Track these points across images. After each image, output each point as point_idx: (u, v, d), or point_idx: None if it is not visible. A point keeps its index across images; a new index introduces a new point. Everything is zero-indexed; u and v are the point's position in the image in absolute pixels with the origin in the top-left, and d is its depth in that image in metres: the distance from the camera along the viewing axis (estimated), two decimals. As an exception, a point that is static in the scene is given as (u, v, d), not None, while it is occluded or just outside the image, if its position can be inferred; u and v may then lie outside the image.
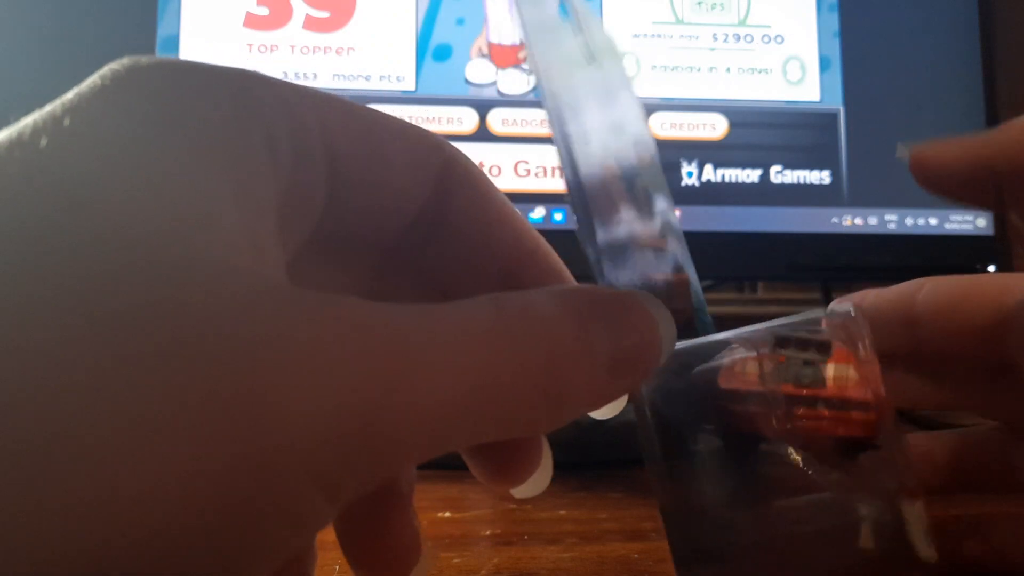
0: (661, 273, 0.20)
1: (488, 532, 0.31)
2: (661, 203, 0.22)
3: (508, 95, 0.52)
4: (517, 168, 0.52)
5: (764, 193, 0.53)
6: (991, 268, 0.53)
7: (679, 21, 0.54)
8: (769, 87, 0.54)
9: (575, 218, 0.17)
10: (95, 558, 0.10)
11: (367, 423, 0.11)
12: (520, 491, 0.19)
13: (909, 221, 0.54)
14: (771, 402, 0.19)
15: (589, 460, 0.42)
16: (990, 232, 0.54)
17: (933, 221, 0.54)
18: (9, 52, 0.48)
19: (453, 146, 0.18)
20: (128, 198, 0.11)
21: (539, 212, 0.51)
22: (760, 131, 0.54)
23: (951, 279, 0.24)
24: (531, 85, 0.52)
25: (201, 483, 0.10)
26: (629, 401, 0.19)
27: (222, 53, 0.50)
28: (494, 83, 0.52)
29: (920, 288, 0.24)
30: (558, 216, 0.52)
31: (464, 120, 0.51)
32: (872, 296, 0.25)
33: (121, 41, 0.50)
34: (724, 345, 0.19)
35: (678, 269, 0.21)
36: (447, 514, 0.34)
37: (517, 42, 0.52)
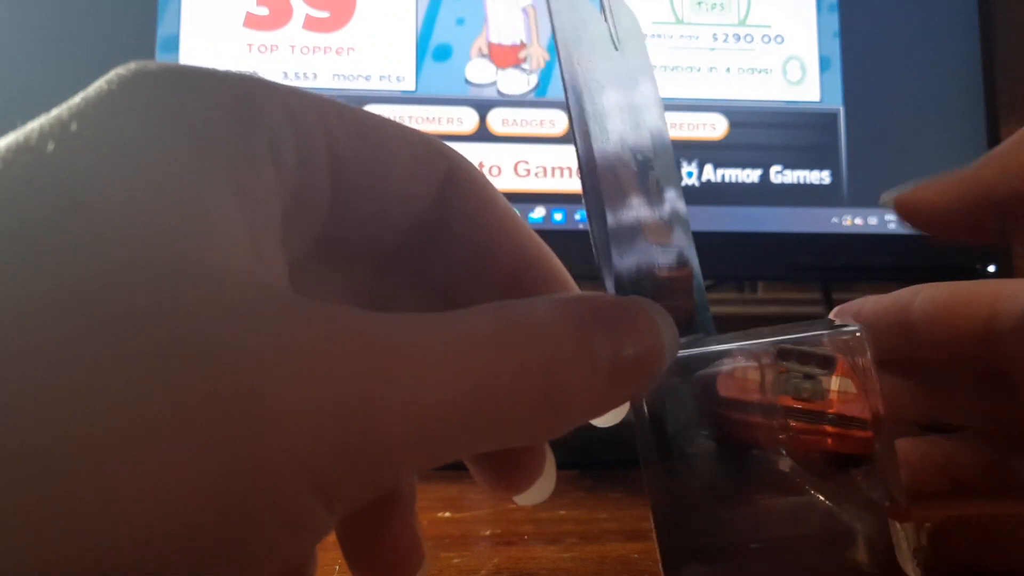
0: (665, 265, 0.20)
1: (488, 532, 0.31)
2: (671, 191, 0.22)
3: (508, 95, 0.52)
4: (517, 168, 0.52)
5: (764, 193, 0.53)
6: (991, 268, 0.53)
7: (679, 21, 0.54)
8: (769, 87, 0.54)
9: (585, 201, 0.17)
10: (95, 558, 0.10)
11: (364, 426, 0.11)
12: (523, 499, 0.19)
13: (909, 221, 0.54)
14: (769, 412, 0.19)
15: (589, 460, 0.42)
16: (990, 232, 0.54)
17: (933, 221, 0.54)
18: (9, 52, 0.48)
19: (456, 152, 0.18)
20: (129, 199, 0.11)
21: (539, 212, 0.51)
22: (760, 131, 0.54)
23: (947, 285, 0.24)
24: (531, 85, 0.52)
25: (200, 483, 0.10)
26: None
27: (222, 53, 0.50)
28: (494, 83, 0.52)
29: (917, 294, 0.24)
30: (558, 216, 0.52)
31: (464, 120, 0.51)
32: (871, 303, 0.25)
33: (121, 41, 0.50)
34: (726, 354, 0.19)
35: (682, 263, 0.21)
36: (447, 514, 0.34)
37: (517, 42, 0.52)
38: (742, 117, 0.53)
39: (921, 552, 0.19)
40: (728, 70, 0.54)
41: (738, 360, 0.19)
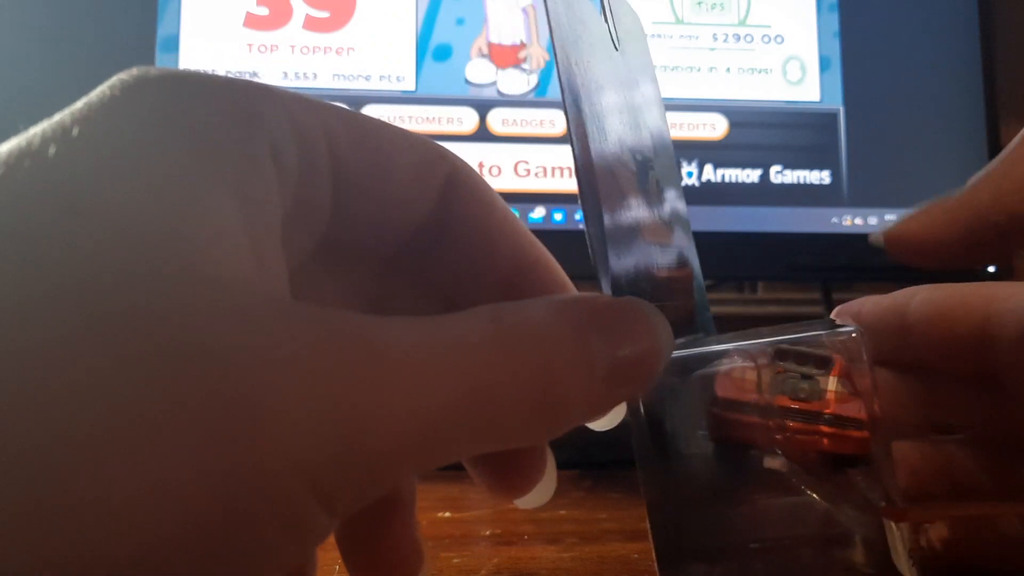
0: (665, 266, 0.20)
1: (488, 532, 0.31)
2: (671, 192, 0.22)
3: (508, 95, 0.52)
4: (517, 168, 0.52)
5: (764, 193, 0.53)
6: (991, 268, 0.53)
7: (679, 21, 0.54)
8: (769, 87, 0.54)
9: (581, 202, 0.16)
10: (94, 558, 0.10)
11: (363, 429, 0.11)
12: (524, 501, 0.19)
13: (909, 221, 0.54)
14: (766, 412, 0.19)
15: (589, 460, 0.42)
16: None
17: (933, 221, 0.54)
18: (9, 52, 0.48)
19: (457, 156, 0.18)
20: (129, 201, 0.11)
21: (539, 212, 0.51)
22: (760, 131, 0.54)
23: (944, 287, 0.24)
24: (531, 85, 0.52)
25: (199, 485, 0.10)
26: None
27: (222, 53, 0.50)
28: (494, 83, 0.52)
29: (914, 296, 0.24)
30: (558, 216, 0.52)
31: (464, 120, 0.51)
32: (871, 303, 0.25)
33: (121, 41, 0.50)
34: (723, 355, 0.19)
35: (682, 263, 0.21)
36: (447, 514, 0.34)
37: (517, 42, 0.52)
38: (742, 117, 0.53)
39: (917, 552, 0.19)
40: (728, 70, 0.54)
41: (735, 360, 0.19)
